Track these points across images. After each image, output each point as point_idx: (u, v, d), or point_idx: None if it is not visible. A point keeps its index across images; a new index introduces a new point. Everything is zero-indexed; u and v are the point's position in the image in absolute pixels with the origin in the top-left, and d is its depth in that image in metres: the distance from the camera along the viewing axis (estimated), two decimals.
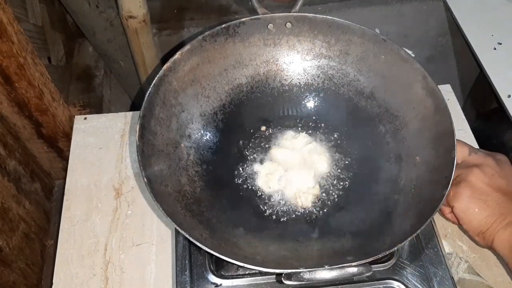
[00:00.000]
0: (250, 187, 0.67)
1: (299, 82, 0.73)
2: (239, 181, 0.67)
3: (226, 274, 0.61)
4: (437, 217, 0.70)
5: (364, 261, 0.48)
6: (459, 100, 0.88)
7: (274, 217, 0.64)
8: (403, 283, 0.59)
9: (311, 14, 0.68)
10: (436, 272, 0.60)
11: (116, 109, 1.47)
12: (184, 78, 0.66)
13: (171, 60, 0.64)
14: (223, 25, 0.67)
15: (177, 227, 0.51)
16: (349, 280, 0.59)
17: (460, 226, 0.63)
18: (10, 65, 0.91)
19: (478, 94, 1.42)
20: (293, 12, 0.68)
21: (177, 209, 0.57)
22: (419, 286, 0.59)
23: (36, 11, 1.18)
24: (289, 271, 0.49)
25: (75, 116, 0.86)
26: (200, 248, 0.49)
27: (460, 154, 0.62)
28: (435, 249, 0.62)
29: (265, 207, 0.65)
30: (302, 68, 0.72)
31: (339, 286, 0.59)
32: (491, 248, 0.57)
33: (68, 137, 1.12)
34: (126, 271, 0.67)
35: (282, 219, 0.64)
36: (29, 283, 1.07)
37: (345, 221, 0.63)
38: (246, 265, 0.48)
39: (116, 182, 0.77)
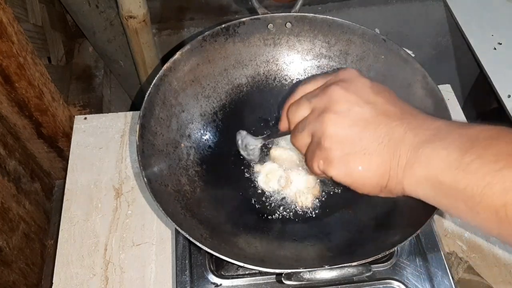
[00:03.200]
0: (250, 187, 0.67)
1: (299, 82, 0.73)
2: (239, 181, 0.67)
3: (226, 274, 0.61)
4: (437, 217, 0.70)
5: (364, 261, 0.48)
6: (459, 100, 0.88)
7: (274, 217, 0.64)
8: (403, 283, 0.59)
9: (311, 14, 0.68)
10: (436, 272, 0.60)
11: (116, 109, 1.47)
12: (184, 78, 0.66)
13: (171, 60, 0.64)
14: (223, 25, 0.67)
15: (177, 227, 0.51)
16: (349, 280, 0.59)
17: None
18: (10, 65, 0.91)
19: (478, 94, 1.42)
20: (293, 12, 0.68)
21: (177, 209, 0.57)
22: (419, 286, 0.59)
23: (36, 11, 1.18)
24: (289, 271, 0.49)
25: (75, 116, 0.86)
26: (200, 248, 0.49)
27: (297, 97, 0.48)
28: (435, 249, 0.62)
29: (265, 207, 0.65)
30: (302, 68, 0.72)
31: (339, 286, 0.59)
32: (404, 195, 0.43)
33: (68, 137, 1.12)
34: (126, 271, 0.67)
35: (282, 219, 0.64)
36: (29, 283, 1.08)
37: (345, 221, 0.63)
38: (246, 265, 0.48)
39: (116, 182, 0.77)
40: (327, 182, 0.67)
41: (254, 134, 0.71)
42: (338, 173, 0.43)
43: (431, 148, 0.37)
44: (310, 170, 0.46)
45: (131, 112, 0.86)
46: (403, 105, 0.43)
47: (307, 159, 0.46)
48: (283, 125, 0.52)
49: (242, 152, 0.66)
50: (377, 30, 0.69)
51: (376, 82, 0.45)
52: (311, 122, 0.44)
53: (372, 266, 0.50)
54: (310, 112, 0.45)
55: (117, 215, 0.73)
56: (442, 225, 0.70)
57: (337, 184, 0.67)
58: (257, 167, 0.68)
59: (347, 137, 0.41)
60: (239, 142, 0.66)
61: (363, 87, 0.43)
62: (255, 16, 0.67)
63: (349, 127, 0.41)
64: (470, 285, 0.64)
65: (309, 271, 0.48)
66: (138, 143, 0.56)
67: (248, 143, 0.65)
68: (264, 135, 0.65)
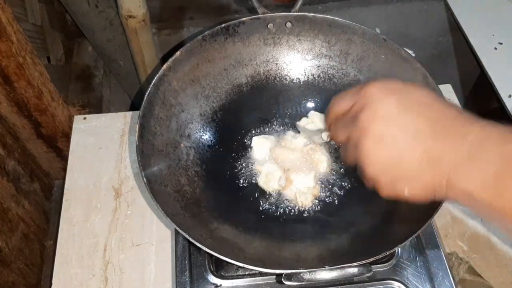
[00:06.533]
0: (250, 187, 0.67)
1: (299, 82, 0.73)
2: (239, 181, 0.67)
3: (226, 274, 0.61)
4: (437, 217, 0.70)
5: (364, 262, 0.48)
6: (460, 100, 0.88)
7: (274, 217, 0.64)
8: (403, 284, 0.59)
9: (311, 14, 0.68)
10: (436, 272, 0.60)
11: (115, 109, 1.47)
12: (184, 77, 0.65)
13: (171, 59, 0.63)
14: (223, 25, 0.66)
15: (177, 227, 0.51)
16: (349, 280, 0.59)
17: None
18: (10, 64, 0.91)
19: (479, 94, 1.42)
20: (293, 12, 0.68)
21: (176, 209, 0.56)
22: (419, 286, 0.59)
23: (36, 10, 1.18)
24: (289, 271, 0.49)
25: (75, 116, 0.86)
26: (200, 249, 0.49)
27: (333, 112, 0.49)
28: (436, 250, 0.62)
29: (265, 207, 0.65)
30: (302, 68, 0.72)
31: (340, 287, 0.59)
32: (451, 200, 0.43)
33: (67, 137, 1.12)
34: (125, 272, 0.67)
35: (282, 219, 0.64)
36: (28, 284, 1.07)
37: (345, 221, 0.63)
38: (246, 266, 0.48)
39: (115, 182, 0.76)
40: (326, 182, 0.67)
41: (254, 133, 0.71)
42: (389, 195, 0.45)
43: (467, 167, 0.38)
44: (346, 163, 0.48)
45: (130, 112, 0.86)
46: (432, 117, 0.42)
47: (344, 157, 0.48)
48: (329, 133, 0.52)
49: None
50: (378, 30, 0.69)
51: (401, 97, 0.43)
52: (351, 152, 0.45)
53: (373, 266, 0.50)
54: (348, 140, 0.46)
55: (117, 216, 0.72)
56: (443, 226, 0.70)
57: (337, 184, 0.66)
58: (257, 167, 0.68)
59: (386, 164, 0.42)
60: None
61: (389, 108, 0.42)
62: (255, 16, 0.67)
63: (385, 155, 0.42)
64: (471, 285, 0.63)
65: (309, 272, 0.48)
66: (137, 143, 0.56)
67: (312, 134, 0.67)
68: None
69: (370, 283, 0.59)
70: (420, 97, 0.43)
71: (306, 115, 0.71)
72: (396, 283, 0.59)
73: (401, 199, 0.44)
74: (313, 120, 0.69)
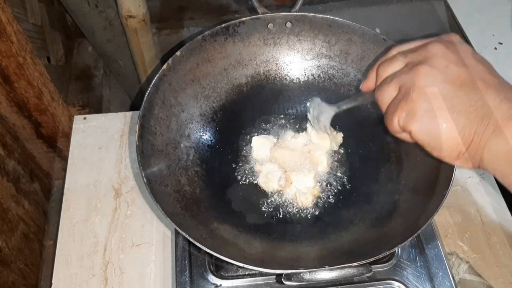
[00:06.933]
0: (250, 188, 0.67)
1: (299, 82, 0.73)
2: (239, 182, 0.67)
3: (226, 274, 0.61)
4: (437, 217, 0.70)
5: (364, 262, 0.48)
6: None
7: (274, 217, 0.64)
8: (403, 284, 0.59)
9: (311, 14, 0.68)
10: (436, 272, 0.60)
11: (115, 109, 1.47)
12: (183, 77, 0.65)
13: (171, 59, 0.63)
14: (223, 25, 0.66)
15: (177, 227, 0.51)
16: (349, 280, 0.59)
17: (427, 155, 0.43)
18: (10, 64, 0.91)
19: None
20: (293, 12, 0.68)
21: (176, 210, 0.56)
22: (419, 286, 0.59)
23: (36, 10, 1.18)
24: (289, 271, 0.49)
25: (75, 116, 0.86)
26: (200, 249, 0.49)
27: (394, 51, 0.46)
28: (436, 250, 0.62)
29: (265, 208, 0.65)
30: (303, 68, 0.72)
31: (340, 287, 0.59)
32: (479, 168, 0.40)
33: (67, 137, 1.12)
34: (125, 272, 0.67)
35: (282, 219, 0.64)
36: (28, 284, 1.07)
37: (345, 221, 0.63)
38: (246, 266, 0.48)
39: (115, 182, 0.76)
40: (326, 182, 0.67)
41: (254, 133, 0.71)
42: (419, 128, 0.40)
43: None
44: (389, 125, 0.43)
45: (130, 112, 0.86)
46: (502, 79, 0.41)
47: (388, 113, 0.44)
48: (368, 85, 0.49)
49: (312, 123, 0.65)
50: (378, 30, 0.69)
51: (478, 53, 0.43)
52: (403, 73, 0.42)
53: (373, 266, 0.50)
54: (404, 66, 0.44)
55: (117, 216, 0.72)
56: (443, 226, 0.70)
57: (337, 184, 0.66)
58: (257, 167, 0.68)
59: (438, 92, 0.39)
60: (311, 110, 0.64)
61: (465, 51, 0.42)
62: (255, 16, 0.67)
63: (442, 83, 0.39)
64: (471, 285, 0.63)
65: (309, 272, 0.48)
66: (137, 143, 0.56)
67: (322, 112, 0.63)
68: (340, 102, 0.59)
69: (370, 283, 0.59)
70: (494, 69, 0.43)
71: (306, 115, 0.71)
72: (396, 283, 0.59)
73: (427, 142, 0.40)
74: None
